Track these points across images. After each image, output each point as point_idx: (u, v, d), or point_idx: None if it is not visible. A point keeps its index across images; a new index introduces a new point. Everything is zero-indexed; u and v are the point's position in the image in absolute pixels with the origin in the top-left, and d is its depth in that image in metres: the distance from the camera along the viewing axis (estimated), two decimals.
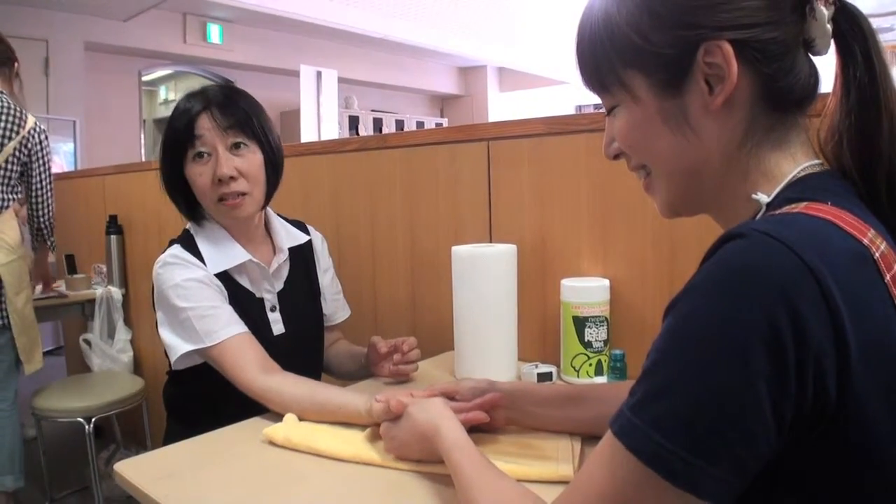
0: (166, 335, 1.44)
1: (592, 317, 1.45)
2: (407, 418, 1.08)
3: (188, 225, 1.58)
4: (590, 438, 1.11)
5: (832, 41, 0.70)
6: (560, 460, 1.03)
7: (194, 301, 1.42)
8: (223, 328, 1.40)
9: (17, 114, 2.72)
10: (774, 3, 0.67)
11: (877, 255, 0.60)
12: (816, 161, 0.71)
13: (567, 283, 1.50)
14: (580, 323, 1.46)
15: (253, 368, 1.36)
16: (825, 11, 0.68)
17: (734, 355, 0.55)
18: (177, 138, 1.47)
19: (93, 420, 2.71)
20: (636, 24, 0.70)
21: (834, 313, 0.55)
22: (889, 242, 0.63)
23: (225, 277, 1.51)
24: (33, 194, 2.86)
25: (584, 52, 0.77)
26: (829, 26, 0.69)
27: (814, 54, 0.72)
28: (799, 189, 0.68)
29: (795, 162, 0.71)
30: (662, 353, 0.59)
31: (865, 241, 0.61)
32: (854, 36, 0.69)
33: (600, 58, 0.75)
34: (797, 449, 0.57)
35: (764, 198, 0.69)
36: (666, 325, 0.60)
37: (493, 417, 1.15)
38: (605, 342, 1.47)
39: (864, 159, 0.69)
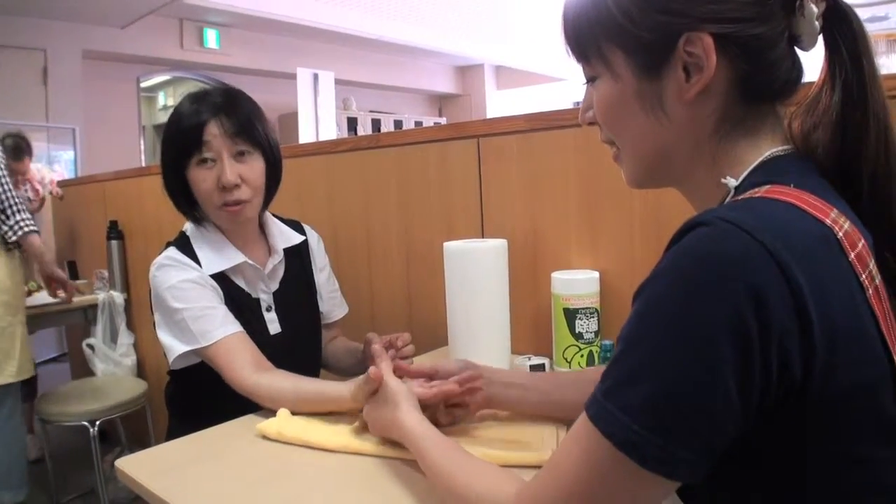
0: (163, 336, 1.47)
1: (583, 308, 1.47)
2: (379, 399, 1.11)
3: (185, 227, 1.61)
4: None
5: (820, 37, 0.70)
6: (543, 448, 1.06)
7: (189, 302, 1.45)
8: (218, 328, 1.43)
9: None
10: None
11: (840, 234, 0.61)
12: (785, 146, 0.72)
13: (557, 275, 1.52)
14: (571, 315, 1.48)
15: (245, 367, 1.39)
16: (815, 9, 0.67)
17: (700, 342, 0.56)
18: (183, 142, 1.49)
19: (97, 423, 2.74)
20: (621, 3, 0.71)
21: (797, 295, 0.56)
22: (853, 221, 0.64)
23: (221, 277, 1.53)
24: None
25: (570, 20, 0.78)
26: (817, 24, 0.68)
27: (800, 49, 0.72)
28: (764, 173, 0.69)
29: (763, 149, 0.71)
30: (631, 340, 0.61)
31: (828, 221, 0.62)
32: (843, 36, 0.68)
33: (584, 29, 0.76)
34: (768, 428, 0.59)
35: (732, 182, 0.70)
36: (633, 311, 0.62)
37: (472, 400, 1.18)
38: (596, 333, 1.49)
39: (845, 157, 0.69)
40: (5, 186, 2.67)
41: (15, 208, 2.69)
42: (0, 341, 2.65)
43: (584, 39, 0.77)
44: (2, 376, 2.66)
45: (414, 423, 1.00)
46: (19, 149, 3.84)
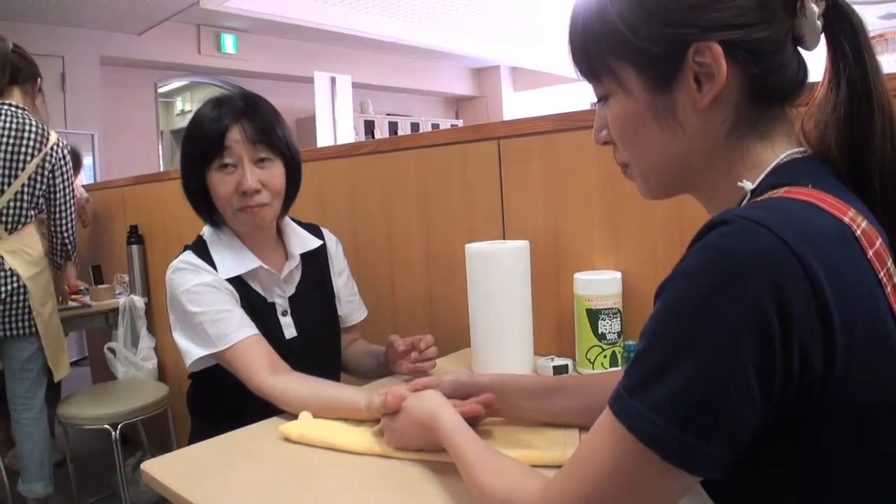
0: (180, 340, 1.49)
1: (605, 309, 1.47)
2: (404, 411, 1.11)
3: (202, 231, 1.62)
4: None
5: (822, 36, 0.71)
6: (565, 447, 1.06)
7: (205, 306, 1.46)
8: (234, 331, 1.44)
9: (40, 131, 2.70)
10: (765, 2, 0.68)
11: (858, 232, 0.62)
12: (799, 148, 0.72)
13: (580, 276, 1.52)
14: (594, 315, 1.47)
15: (262, 370, 1.40)
16: (815, 9, 0.69)
17: (722, 338, 0.57)
18: (205, 146, 1.50)
19: (119, 427, 2.75)
20: (628, 20, 0.71)
21: (817, 290, 0.57)
22: (870, 221, 0.64)
23: (237, 281, 1.54)
24: (56, 211, 2.83)
25: (577, 40, 0.78)
26: (818, 23, 0.69)
27: (803, 49, 0.73)
28: (781, 175, 0.69)
29: (778, 151, 0.72)
30: (653, 336, 0.62)
31: (846, 219, 0.62)
32: (844, 32, 0.70)
33: (592, 48, 0.76)
34: (790, 424, 0.60)
35: (749, 185, 0.70)
36: (656, 308, 0.63)
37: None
38: (619, 334, 1.48)
39: (854, 153, 0.70)
40: (73, 221, 2.94)
41: (74, 244, 3.00)
42: (57, 340, 2.85)
43: (593, 59, 0.77)
44: (60, 370, 2.88)
45: (458, 423, 1.01)
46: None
